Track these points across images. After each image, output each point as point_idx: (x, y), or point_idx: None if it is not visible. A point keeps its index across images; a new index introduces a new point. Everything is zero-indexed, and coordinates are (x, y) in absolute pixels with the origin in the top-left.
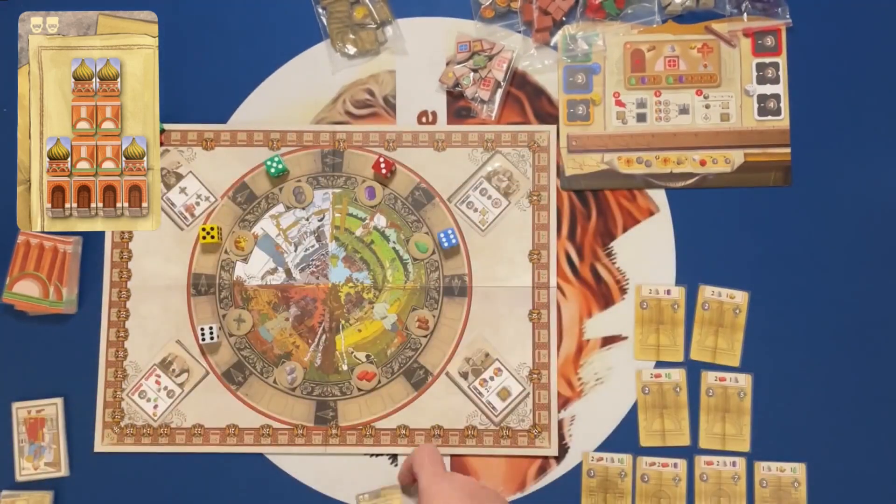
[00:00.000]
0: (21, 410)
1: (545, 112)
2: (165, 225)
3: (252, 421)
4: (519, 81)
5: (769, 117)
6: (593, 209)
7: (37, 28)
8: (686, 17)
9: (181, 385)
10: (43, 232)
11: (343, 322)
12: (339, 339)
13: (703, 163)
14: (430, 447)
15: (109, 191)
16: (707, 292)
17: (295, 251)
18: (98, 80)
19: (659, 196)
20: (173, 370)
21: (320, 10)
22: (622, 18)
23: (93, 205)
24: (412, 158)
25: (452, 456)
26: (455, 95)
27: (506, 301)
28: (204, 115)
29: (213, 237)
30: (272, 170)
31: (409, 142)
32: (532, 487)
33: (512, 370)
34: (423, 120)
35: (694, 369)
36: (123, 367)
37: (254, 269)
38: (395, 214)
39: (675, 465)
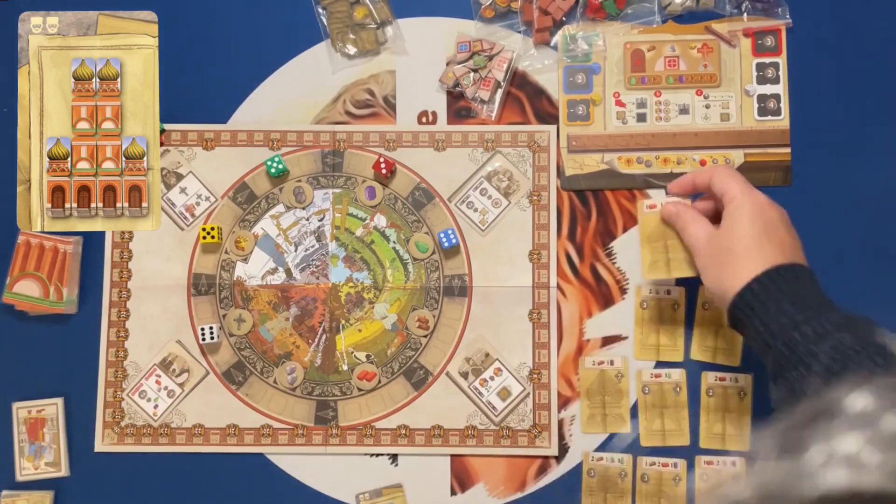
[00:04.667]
0: (21, 410)
1: (545, 112)
2: (165, 225)
3: (252, 421)
4: (519, 81)
5: (769, 117)
6: (593, 209)
7: (37, 28)
8: (686, 17)
9: (181, 385)
10: (43, 232)
11: (343, 322)
12: (339, 339)
13: (703, 163)
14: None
15: (109, 191)
16: (708, 292)
17: (295, 251)
18: (98, 80)
19: (659, 196)
20: (173, 370)
21: (320, 10)
22: (622, 18)
23: (93, 205)
24: (412, 158)
25: (452, 456)
26: (455, 95)
27: (506, 301)
28: (204, 115)
29: (213, 237)
30: (272, 170)
31: (409, 142)
32: (532, 487)
33: (512, 370)
34: (423, 120)
35: (694, 369)
36: (123, 367)
37: (254, 269)
38: (395, 214)
39: (676, 465)
